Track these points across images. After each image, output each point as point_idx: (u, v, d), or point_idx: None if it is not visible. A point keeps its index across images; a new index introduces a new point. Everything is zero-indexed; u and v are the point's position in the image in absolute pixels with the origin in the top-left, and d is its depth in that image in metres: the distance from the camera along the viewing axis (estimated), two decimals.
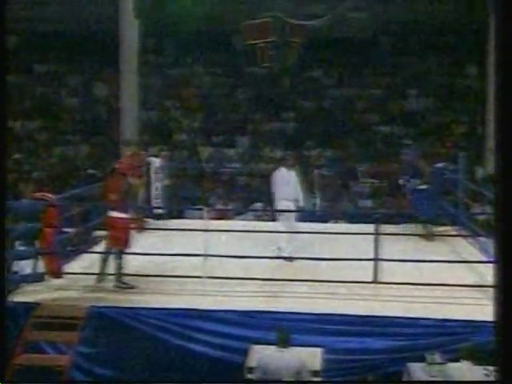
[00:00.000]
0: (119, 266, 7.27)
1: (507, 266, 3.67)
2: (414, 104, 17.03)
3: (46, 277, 7.30)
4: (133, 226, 7.90)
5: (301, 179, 8.85)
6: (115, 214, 7.30)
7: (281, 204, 8.61)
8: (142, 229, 9.71)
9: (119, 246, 7.30)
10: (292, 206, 8.62)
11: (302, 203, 8.73)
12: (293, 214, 8.69)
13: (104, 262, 7.37)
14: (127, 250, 7.34)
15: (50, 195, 7.50)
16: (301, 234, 8.66)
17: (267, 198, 9.20)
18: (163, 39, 17.50)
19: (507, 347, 3.64)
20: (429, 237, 9.47)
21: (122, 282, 7.23)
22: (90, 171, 14.42)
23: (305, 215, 9.71)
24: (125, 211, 7.38)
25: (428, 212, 9.67)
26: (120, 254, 7.28)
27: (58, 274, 7.35)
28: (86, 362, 6.40)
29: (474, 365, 5.68)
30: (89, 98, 17.61)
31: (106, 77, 16.94)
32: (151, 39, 16.31)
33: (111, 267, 7.33)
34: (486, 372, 5.57)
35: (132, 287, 7.18)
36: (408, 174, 10.19)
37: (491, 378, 5.44)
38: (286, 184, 8.62)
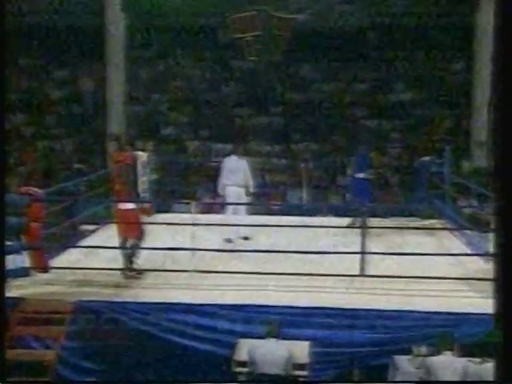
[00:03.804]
0: (132, 255, 7.26)
1: (506, 259, 3.65)
2: (400, 98, 17.08)
3: (32, 271, 7.26)
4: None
5: (251, 167, 9.24)
6: (125, 205, 7.27)
7: (230, 190, 8.93)
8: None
9: (134, 236, 7.27)
10: (242, 193, 8.98)
11: (252, 189, 9.13)
12: (243, 207, 9.06)
13: (127, 256, 7.29)
14: (142, 240, 7.30)
15: (36, 189, 7.45)
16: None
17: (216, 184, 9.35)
18: (150, 32, 17.41)
19: (507, 343, 3.61)
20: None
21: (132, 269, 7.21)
22: (77, 165, 14.35)
23: (291, 209, 9.73)
24: (133, 202, 7.34)
25: (363, 202, 9.18)
26: (136, 244, 7.27)
27: (44, 268, 7.32)
28: (72, 356, 6.38)
29: (458, 356, 5.73)
30: (75, 91, 17.51)
31: (92, 70, 16.84)
32: (138, 32, 16.22)
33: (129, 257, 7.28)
34: (471, 363, 5.62)
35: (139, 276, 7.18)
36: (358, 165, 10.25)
37: (478, 368, 5.50)
38: (236, 171, 8.99)
